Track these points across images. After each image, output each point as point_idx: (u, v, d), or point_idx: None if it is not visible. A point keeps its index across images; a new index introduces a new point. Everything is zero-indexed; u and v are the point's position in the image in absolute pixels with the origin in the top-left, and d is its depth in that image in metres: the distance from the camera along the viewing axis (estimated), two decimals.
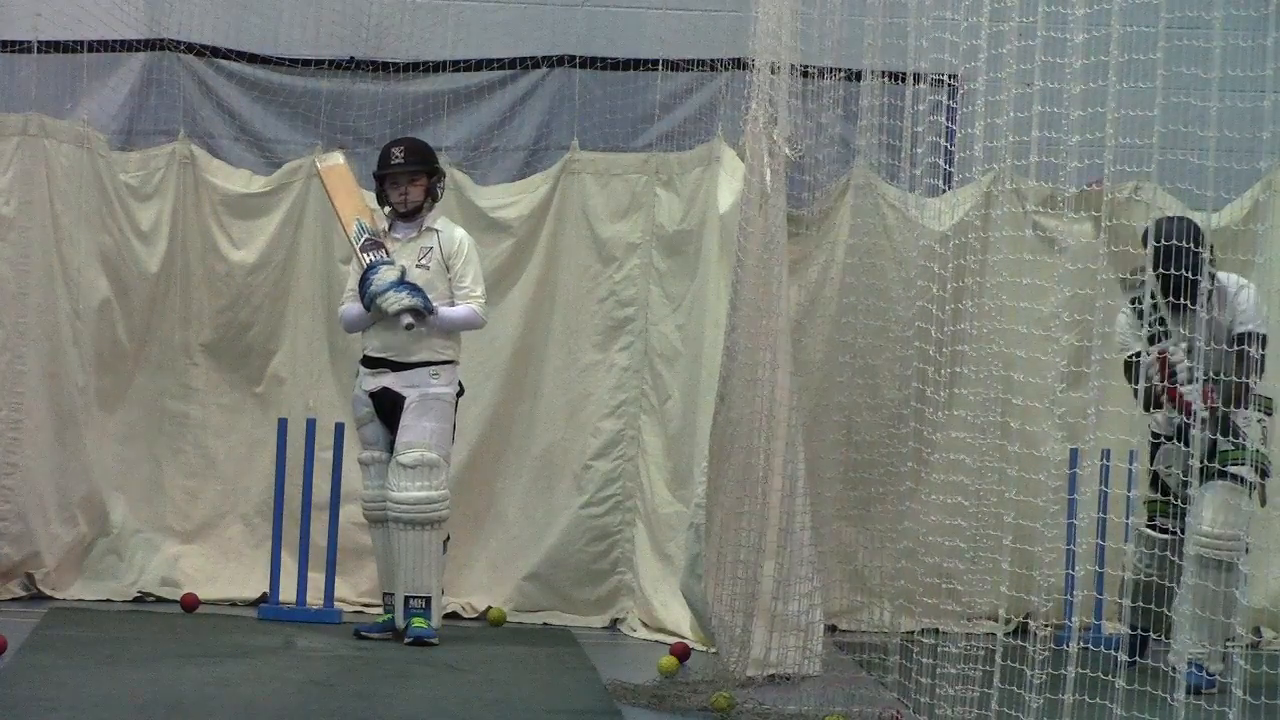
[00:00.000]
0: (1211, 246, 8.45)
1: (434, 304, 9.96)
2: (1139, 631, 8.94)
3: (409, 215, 10.14)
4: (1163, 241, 7.92)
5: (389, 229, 10.19)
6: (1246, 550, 8.87)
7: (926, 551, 8.40)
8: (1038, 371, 7.55)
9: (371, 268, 9.93)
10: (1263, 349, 8.81)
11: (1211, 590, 8.85)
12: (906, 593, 8.62)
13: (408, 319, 9.88)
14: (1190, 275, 7.73)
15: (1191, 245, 7.94)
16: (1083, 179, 7.06)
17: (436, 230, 10.16)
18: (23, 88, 11.23)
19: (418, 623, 9.93)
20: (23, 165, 10.99)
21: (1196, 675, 8.61)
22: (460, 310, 10.04)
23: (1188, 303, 8.46)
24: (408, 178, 10.11)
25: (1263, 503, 9.31)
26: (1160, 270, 8.36)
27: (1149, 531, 9.58)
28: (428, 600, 9.94)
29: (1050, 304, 7.40)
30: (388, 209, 10.18)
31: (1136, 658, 8.23)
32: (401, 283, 9.90)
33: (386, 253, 10.03)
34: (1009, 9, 7.46)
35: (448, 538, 10.13)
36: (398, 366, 10.02)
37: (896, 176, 10.42)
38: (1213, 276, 9.08)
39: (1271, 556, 10.97)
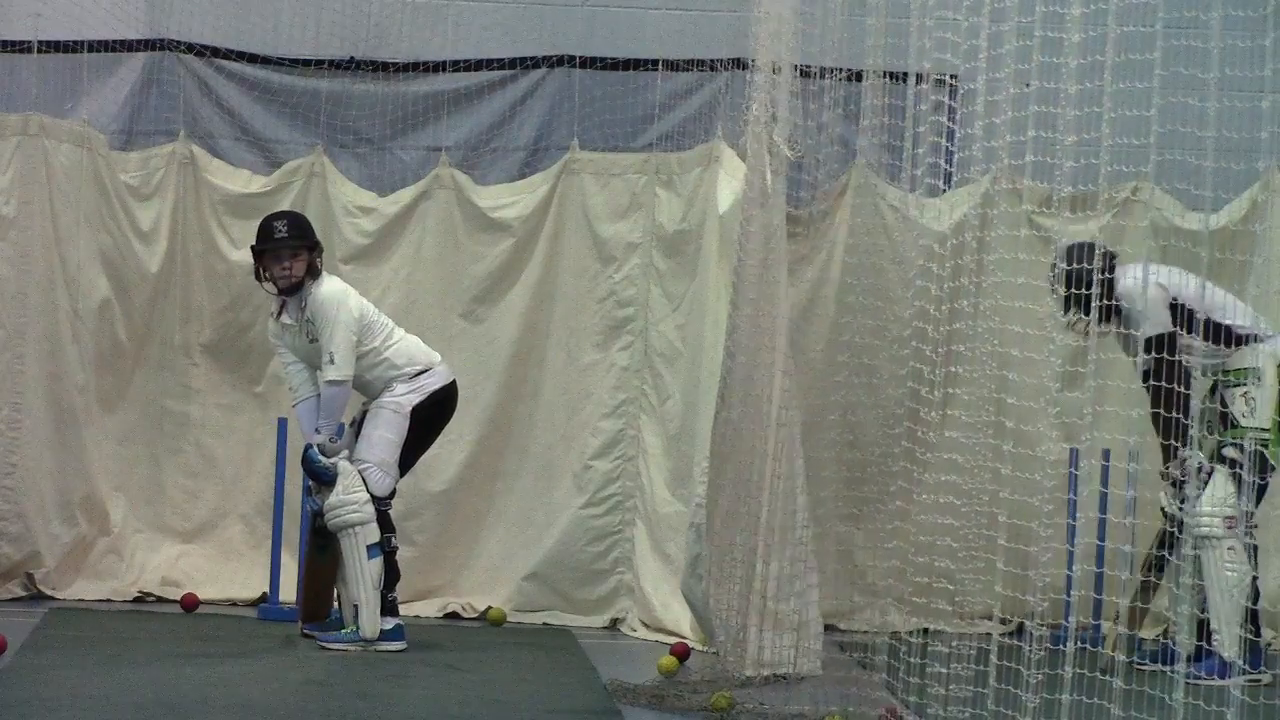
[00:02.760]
0: (1109, 255, 8.73)
1: (311, 438, 9.87)
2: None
3: (291, 290, 9.90)
4: (1072, 264, 8.20)
5: (279, 313, 9.97)
6: (1243, 527, 8.98)
7: (923, 551, 8.40)
8: (1034, 371, 7.56)
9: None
10: (1169, 351, 8.89)
11: (1206, 569, 8.96)
12: (906, 593, 8.62)
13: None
14: (1103, 301, 8.06)
15: (1087, 265, 8.21)
16: (1080, 179, 7.05)
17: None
18: (23, 88, 11.24)
19: (345, 627, 9.89)
20: (23, 165, 10.99)
21: (1220, 662, 8.84)
22: (324, 403, 9.87)
23: (1112, 328, 8.83)
24: (290, 253, 9.87)
25: (1263, 471, 9.32)
26: (1069, 291, 8.56)
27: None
28: (355, 607, 9.80)
29: (1046, 304, 7.40)
30: (269, 285, 9.95)
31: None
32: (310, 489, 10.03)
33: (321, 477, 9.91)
34: (1007, 9, 7.45)
35: (380, 541, 9.81)
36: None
37: (897, 176, 10.42)
38: (1112, 285, 9.21)
39: (1271, 556, 10.99)
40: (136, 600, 11.24)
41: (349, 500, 9.78)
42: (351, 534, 9.77)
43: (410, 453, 10.01)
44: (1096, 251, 8.59)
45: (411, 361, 9.97)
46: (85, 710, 7.85)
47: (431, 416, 10.03)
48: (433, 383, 10.01)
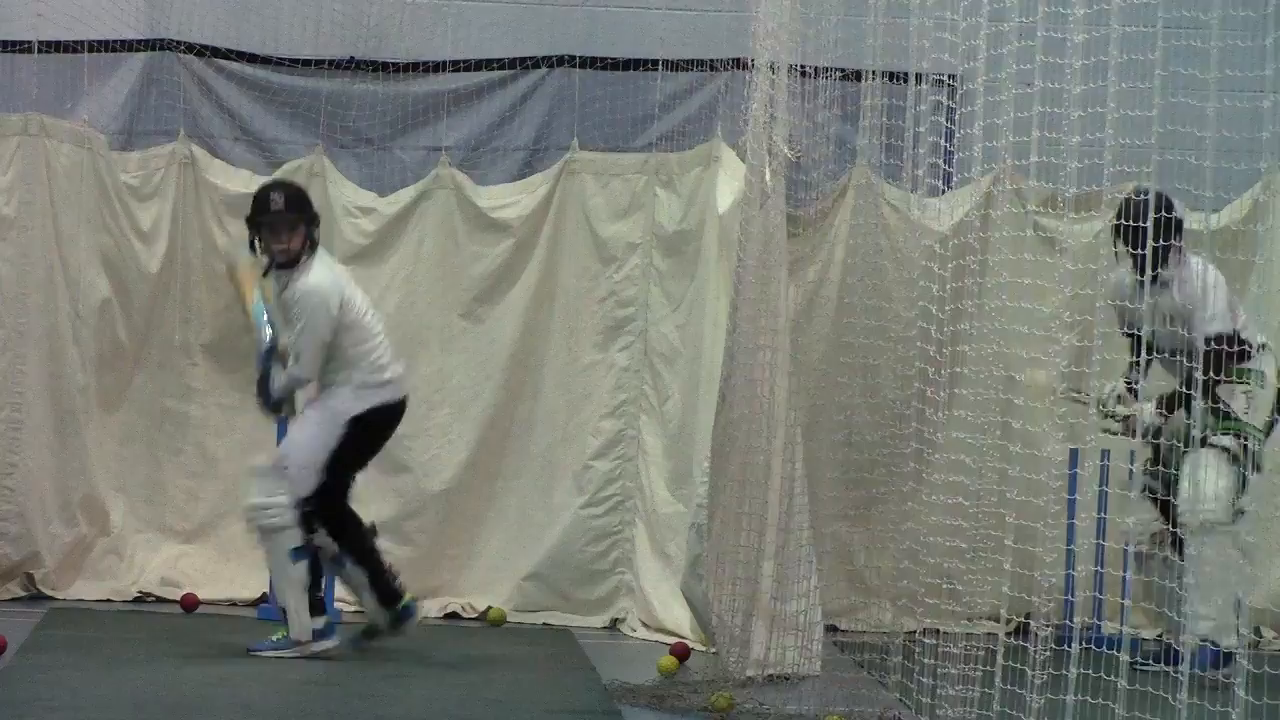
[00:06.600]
0: (1180, 222, 8.73)
1: (272, 384, 9.61)
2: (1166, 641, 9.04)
3: (288, 265, 9.48)
4: (1129, 219, 8.17)
5: (265, 272, 9.59)
6: (1241, 513, 9.04)
7: (927, 551, 8.41)
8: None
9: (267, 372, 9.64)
10: (1230, 346, 8.95)
11: (1205, 555, 9.00)
12: (907, 593, 8.62)
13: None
14: (1161, 243, 8.06)
15: (1163, 214, 8.23)
16: (1084, 180, 7.06)
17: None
18: (23, 88, 11.23)
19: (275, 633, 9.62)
20: (23, 165, 10.99)
21: (1213, 652, 8.84)
22: (283, 384, 9.52)
23: (1160, 270, 8.84)
24: (287, 227, 9.46)
25: (1257, 469, 9.37)
26: (1130, 247, 8.60)
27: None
28: (284, 610, 9.52)
29: (1051, 304, 7.41)
30: (264, 257, 9.55)
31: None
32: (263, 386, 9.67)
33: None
34: (1008, 9, 7.46)
35: (304, 546, 9.46)
36: None
37: (896, 177, 10.43)
38: (1179, 250, 9.28)
39: (1272, 557, 11.00)
40: (136, 600, 11.24)
41: (272, 504, 9.42)
42: (274, 539, 9.44)
43: (347, 464, 9.58)
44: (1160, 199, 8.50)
45: (369, 372, 9.51)
46: (85, 710, 7.85)
47: (374, 429, 9.59)
48: (378, 398, 9.53)
